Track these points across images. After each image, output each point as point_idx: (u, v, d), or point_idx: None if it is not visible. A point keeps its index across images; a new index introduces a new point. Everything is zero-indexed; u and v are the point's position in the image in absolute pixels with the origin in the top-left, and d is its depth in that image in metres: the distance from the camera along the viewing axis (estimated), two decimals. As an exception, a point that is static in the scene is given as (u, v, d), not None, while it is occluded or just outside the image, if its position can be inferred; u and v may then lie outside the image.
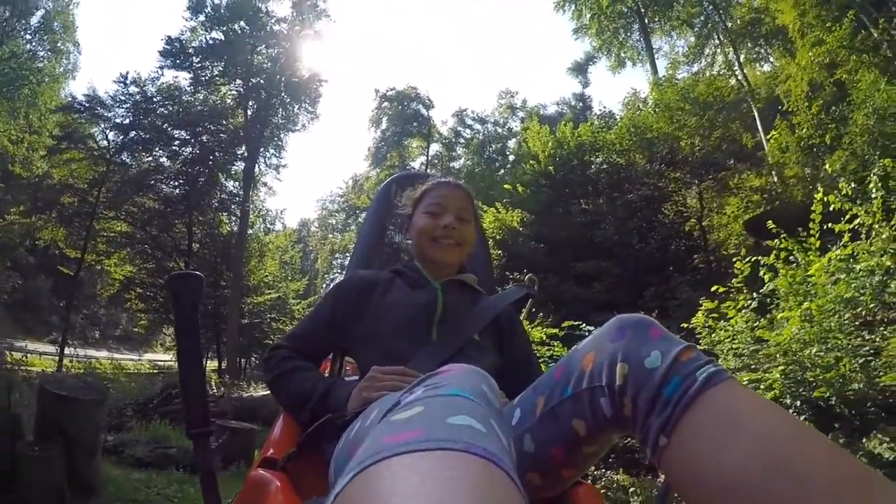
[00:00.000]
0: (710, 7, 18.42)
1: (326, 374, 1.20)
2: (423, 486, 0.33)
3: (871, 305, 3.39)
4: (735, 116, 11.41)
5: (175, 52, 15.30)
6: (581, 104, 26.85)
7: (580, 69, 26.87)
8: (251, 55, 15.98)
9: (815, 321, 3.04)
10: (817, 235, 3.59)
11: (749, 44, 17.32)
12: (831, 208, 3.53)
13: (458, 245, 1.18)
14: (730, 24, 17.64)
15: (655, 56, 20.19)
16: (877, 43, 9.76)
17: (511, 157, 24.62)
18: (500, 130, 28.18)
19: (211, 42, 15.77)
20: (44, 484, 2.70)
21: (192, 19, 15.69)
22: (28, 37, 19.49)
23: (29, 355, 11.26)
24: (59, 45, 20.21)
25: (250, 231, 16.61)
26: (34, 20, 19.36)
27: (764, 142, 10.48)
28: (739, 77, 16.15)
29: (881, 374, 2.91)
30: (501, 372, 1.08)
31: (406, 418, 0.44)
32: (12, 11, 18.23)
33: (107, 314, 22.50)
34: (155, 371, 14.11)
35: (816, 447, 0.56)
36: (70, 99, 16.22)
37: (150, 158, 15.24)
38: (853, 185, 3.55)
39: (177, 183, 15.23)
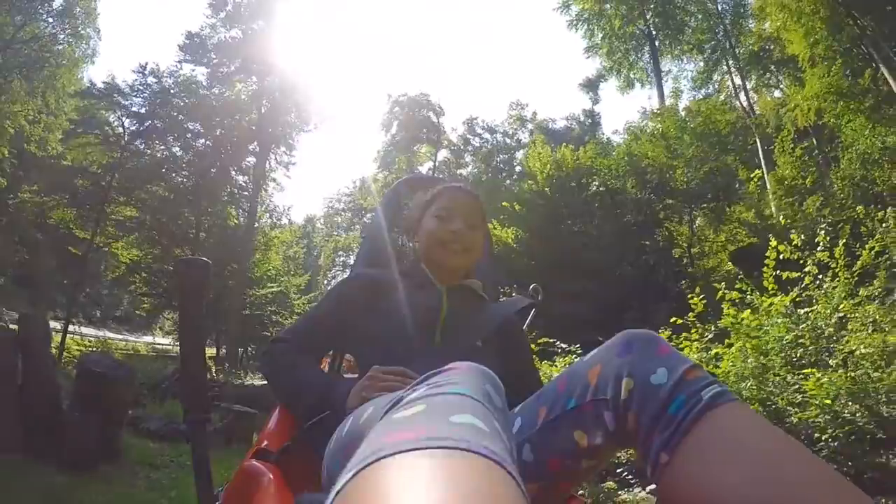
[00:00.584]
0: (721, 33, 18.63)
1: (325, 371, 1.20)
2: (424, 484, 0.33)
3: (811, 347, 3.77)
4: (732, 148, 11.63)
5: (194, 47, 15.75)
6: (590, 121, 27.06)
7: (591, 86, 26.92)
8: (268, 54, 16.30)
9: (749, 358, 3.40)
10: (772, 279, 3.96)
11: (759, 70, 17.49)
12: (781, 256, 3.90)
13: (465, 251, 1.17)
14: (739, 51, 17.83)
15: (664, 79, 20.38)
16: (868, 87, 9.81)
17: (518, 169, 24.89)
18: (508, 141, 28.41)
19: (230, 40, 16.19)
20: (81, 447, 3.19)
21: (212, 16, 16.17)
22: (50, 20, 19.75)
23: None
24: (79, 30, 20.43)
25: (257, 224, 16.96)
26: (56, 3, 19.64)
27: (765, 175, 10.68)
28: (745, 105, 16.38)
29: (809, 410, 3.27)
30: (502, 380, 1.13)
31: (408, 416, 0.43)
32: (35, -6, 18.53)
33: (109, 295, 22.82)
34: (155, 354, 14.49)
35: (819, 473, 0.56)
36: (89, 84, 16.54)
37: (164, 148, 15.66)
38: (802, 237, 3.92)
39: (188, 173, 15.59)
